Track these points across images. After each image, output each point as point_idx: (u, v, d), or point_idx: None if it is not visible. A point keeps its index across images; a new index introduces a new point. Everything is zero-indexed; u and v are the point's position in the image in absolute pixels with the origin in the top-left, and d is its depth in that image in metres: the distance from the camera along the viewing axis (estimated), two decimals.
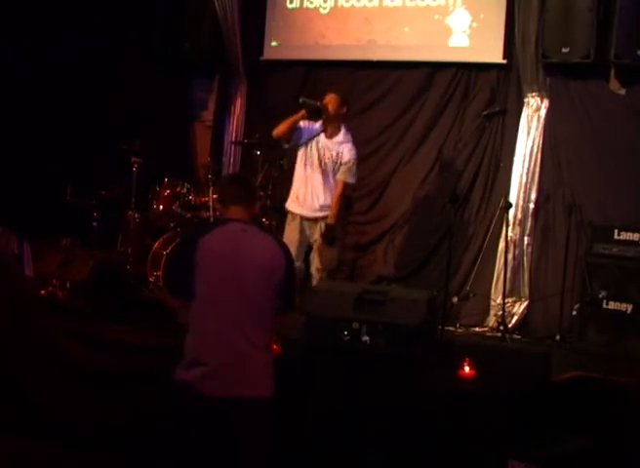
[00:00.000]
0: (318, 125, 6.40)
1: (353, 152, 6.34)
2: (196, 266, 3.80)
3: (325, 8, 7.93)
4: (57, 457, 4.93)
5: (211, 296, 3.80)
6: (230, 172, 8.28)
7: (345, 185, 6.36)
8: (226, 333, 3.77)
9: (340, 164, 6.31)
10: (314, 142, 6.36)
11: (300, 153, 6.44)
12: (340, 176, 6.33)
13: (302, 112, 6.33)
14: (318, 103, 6.33)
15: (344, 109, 6.39)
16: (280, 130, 6.38)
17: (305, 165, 6.41)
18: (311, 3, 7.99)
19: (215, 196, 6.87)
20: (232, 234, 3.88)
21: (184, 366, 3.81)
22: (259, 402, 3.81)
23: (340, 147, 6.32)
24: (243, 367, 3.77)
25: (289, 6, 8.12)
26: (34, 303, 5.78)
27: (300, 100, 6.37)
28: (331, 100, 6.34)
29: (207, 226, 4.12)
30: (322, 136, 6.37)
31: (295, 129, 6.37)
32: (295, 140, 6.43)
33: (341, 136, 6.36)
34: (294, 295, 4.12)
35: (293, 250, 6.32)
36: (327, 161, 6.34)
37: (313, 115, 6.37)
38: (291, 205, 6.50)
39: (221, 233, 3.91)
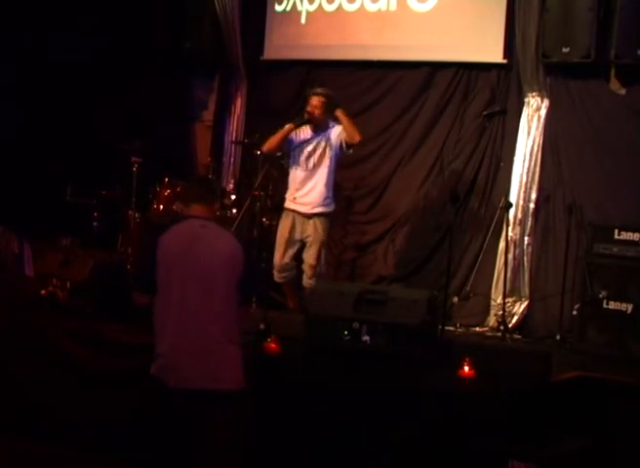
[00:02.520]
0: (306, 132, 6.52)
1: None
2: (158, 263, 3.97)
3: (326, 9, 7.92)
4: (57, 457, 4.93)
5: (171, 292, 3.94)
6: (231, 171, 8.31)
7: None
8: (185, 328, 3.90)
9: (334, 137, 6.45)
10: (304, 145, 6.48)
11: (292, 156, 6.56)
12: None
13: (290, 126, 6.46)
14: (306, 116, 6.46)
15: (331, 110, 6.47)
16: (270, 146, 6.53)
17: (297, 169, 6.55)
18: (312, 3, 7.98)
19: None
20: (192, 230, 4.03)
21: (154, 358, 3.98)
22: (223, 395, 3.89)
23: (326, 133, 6.46)
24: (204, 360, 3.88)
25: (289, 7, 8.11)
26: (34, 303, 5.78)
27: (294, 127, 6.45)
28: (317, 105, 6.43)
29: (169, 224, 4.25)
30: (310, 134, 6.50)
31: (285, 141, 6.49)
32: (286, 148, 6.57)
33: (327, 126, 6.50)
34: (253, 290, 4.24)
35: (280, 247, 6.53)
36: (317, 158, 6.47)
37: (302, 125, 6.49)
38: (287, 203, 6.63)
39: (181, 230, 4.07)
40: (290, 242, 6.52)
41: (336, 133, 6.46)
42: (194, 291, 3.91)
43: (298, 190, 6.54)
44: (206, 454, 3.89)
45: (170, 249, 3.98)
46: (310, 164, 6.48)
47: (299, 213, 6.52)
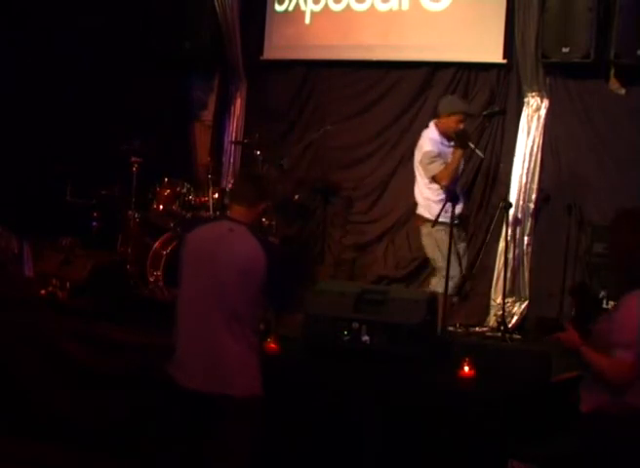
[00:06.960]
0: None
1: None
2: (182, 261, 3.90)
3: (333, 9, 7.92)
4: (57, 457, 4.93)
5: (188, 291, 3.88)
6: (230, 171, 8.30)
7: None
8: (196, 329, 3.83)
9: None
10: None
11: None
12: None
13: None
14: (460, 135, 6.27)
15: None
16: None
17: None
18: (317, 4, 7.97)
19: (215, 195, 6.97)
20: (218, 232, 3.89)
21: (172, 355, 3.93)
22: (233, 400, 3.79)
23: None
24: (212, 364, 3.80)
25: (290, 7, 8.10)
26: (34, 303, 5.78)
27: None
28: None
29: (200, 222, 4.16)
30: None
31: None
32: None
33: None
34: (286, 296, 4.08)
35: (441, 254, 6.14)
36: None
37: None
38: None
39: (208, 230, 3.97)
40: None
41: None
42: (207, 294, 3.79)
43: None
44: (210, 459, 3.85)
45: (193, 249, 3.89)
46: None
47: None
